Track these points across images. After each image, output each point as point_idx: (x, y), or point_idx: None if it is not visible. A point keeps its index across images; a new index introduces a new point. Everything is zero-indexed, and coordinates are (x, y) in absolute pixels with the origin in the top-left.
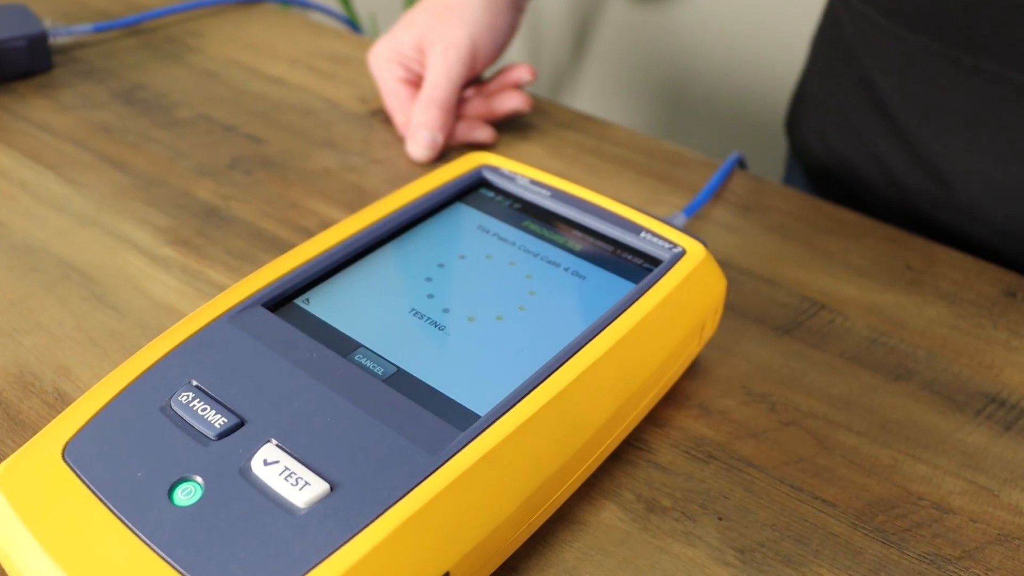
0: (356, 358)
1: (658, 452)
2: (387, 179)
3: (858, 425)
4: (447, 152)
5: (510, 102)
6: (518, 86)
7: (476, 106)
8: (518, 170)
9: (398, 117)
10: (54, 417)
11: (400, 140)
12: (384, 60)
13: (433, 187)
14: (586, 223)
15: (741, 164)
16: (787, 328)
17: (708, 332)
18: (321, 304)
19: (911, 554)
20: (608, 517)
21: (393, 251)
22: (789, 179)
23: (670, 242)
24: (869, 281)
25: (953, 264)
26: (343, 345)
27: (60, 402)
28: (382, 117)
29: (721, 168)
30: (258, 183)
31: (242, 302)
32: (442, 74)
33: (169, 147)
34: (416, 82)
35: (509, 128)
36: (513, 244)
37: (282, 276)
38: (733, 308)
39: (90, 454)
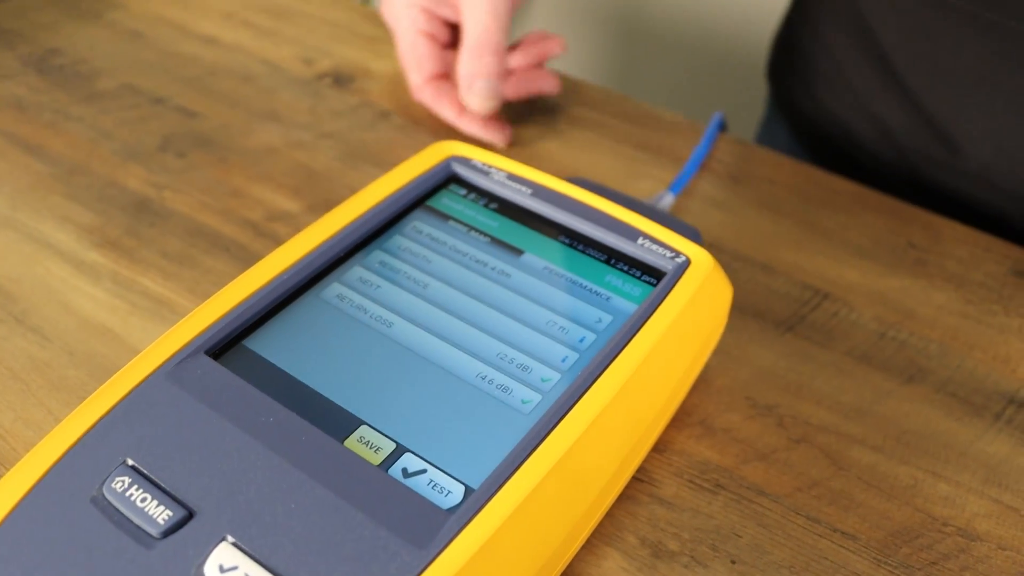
0: (317, 419)
1: (661, 484)
2: (338, 155)
3: (873, 438)
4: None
5: (542, 84)
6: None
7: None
8: (493, 162)
9: (413, 76)
10: None
11: (351, 110)
12: (403, 5)
13: (395, 188)
14: (575, 228)
15: (722, 126)
16: (790, 324)
17: (713, 343)
18: (272, 345)
19: None
20: (611, 568)
21: (351, 276)
22: (769, 129)
23: (672, 249)
24: (872, 263)
25: (958, 240)
26: (301, 400)
27: None
28: (329, 81)
29: (705, 135)
30: (194, 167)
31: (182, 349)
32: (489, 14)
33: (91, 126)
34: (437, 36)
35: None
36: (486, 264)
37: (226, 313)
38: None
39: (11, 561)
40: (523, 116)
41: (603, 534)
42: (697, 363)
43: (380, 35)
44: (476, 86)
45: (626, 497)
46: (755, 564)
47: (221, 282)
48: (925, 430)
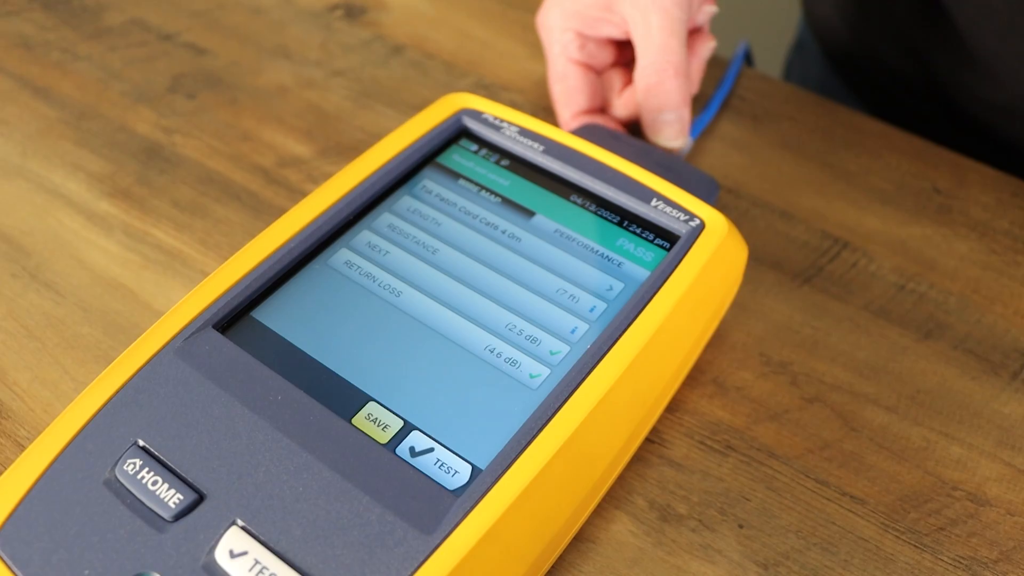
0: (325, 396)
1: (672, 445)
2: (350, 95)
3: (887, 398)
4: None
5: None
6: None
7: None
8: (505, 116)
9: (562, 111)
10: None
11: (363, 44)
12: (558, 29)
13: (405, 145)
14: (588, 187)
15: (748, 58)
16: (807, 275)
17: (727, 305)
18: (280, 316)
19: (945, 558)
20: (619, 532)
21: (359, 241)
22: (800, 54)
23: (686, 212)
24: (894, 210)
25: (985, 184)
26: (309, 375)
27: None
28: (340, 13)
29: (729, 71)
30: (204, 109)
31: (190, 324)
32: (665, 30)
33: (99, 65)
34: (594, 63)
35: (489, 23)
36: (497, 227)
37: (234, 284)
38: (748, 252)
39: (27, 544)
40: (540, 52)
41: (612, 496)
42: (710, 326)
43: None
44: (663, 119)
45: (636, 458)
46: (762, 528)
47: (232, 233)
48: (940, 389)
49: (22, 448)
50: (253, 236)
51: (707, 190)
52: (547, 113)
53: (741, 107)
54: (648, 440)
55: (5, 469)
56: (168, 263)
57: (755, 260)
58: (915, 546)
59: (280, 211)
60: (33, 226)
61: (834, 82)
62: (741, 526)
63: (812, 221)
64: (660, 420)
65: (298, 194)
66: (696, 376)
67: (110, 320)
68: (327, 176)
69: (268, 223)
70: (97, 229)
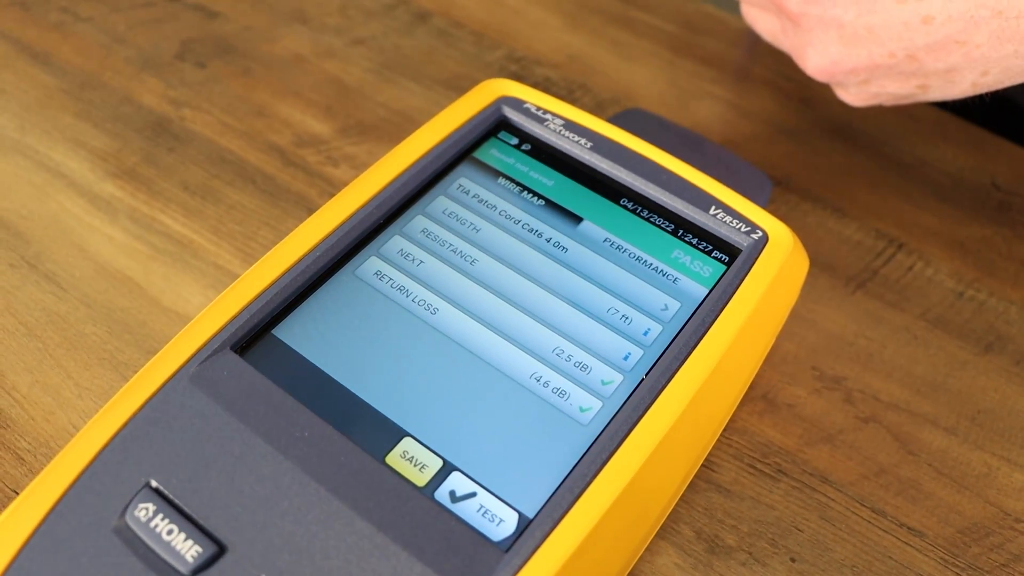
0: (355, 432)
1: (720, 469)
2: (372, 66)
3: (946, 419)
4: (467, 77)
5: None
6: None
7: None
8: (549, 107)
9: (761, 23)
10: None
11: (386, 10)
12: None
13: (440, 138)
14: (640, 191)
15: None
16: (861, 280)
17: (785, 318)
18: (304, 335)
19: None
20: (665, 565)
21: (390, 248)
22: None
23: (748, 222)
24: (951, 208)
25: None
26: (337, 406)
27: None
28: None
29: None
30: (215, 80)
31: (207, 344)
32: None
33: (102, 28)
34: None
35: None
36: (541, 235)
37: (254, 299)
38: None
39: None
40: (575, 23)
41: None
42: (769, 345)
43: None
44: None
45: None
46: (816, 563)
47: (246, 220)
48: (1001, 409)
49: (22, 461)
50: (269, 224)
51: (760, 187)
52: (584, 91)
53: (789, 88)
54: None
55: (5, 484)
56: (177, 254)
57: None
58: None
59: (298, 196)
60: (32, 209)
61: None
62: (793, 560)
63: (866, 218)
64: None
65: (317, 177)
66: (746, 391)
67: (116, 318)
68: (348, 157)
69: (285, 209)
70: (101, 214)
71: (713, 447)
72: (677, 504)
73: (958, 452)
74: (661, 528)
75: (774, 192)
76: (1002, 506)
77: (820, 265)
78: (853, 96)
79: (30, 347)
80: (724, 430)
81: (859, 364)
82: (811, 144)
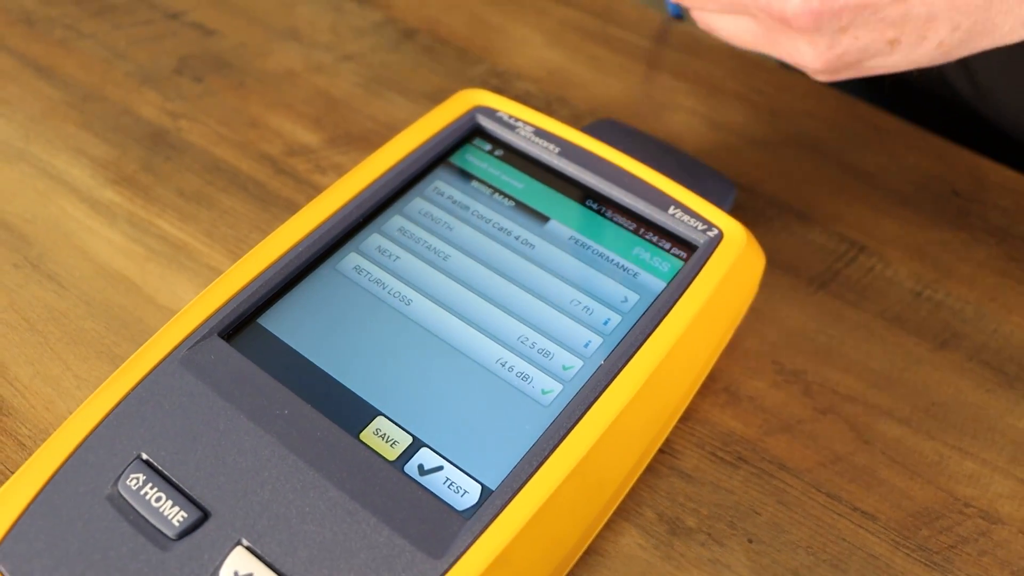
0: (332, 410)
1: (683, 456)
2: (360, 81)
3: (901, 410)
4: (444, 88)
5: None
6: None
7: None
8: (520, 115)
9: None
10: None
11: (374, 27)
12: None
13: (417, 144)
14: (604, 192)
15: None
16: (822, 280)
17: (743, 314)
18: (287, 324)
19: None
20: (628, 545)
21: (369, 244)
22: None
23: (705, 221)
24: (912, 213)
25: (1004, 187)
26: (316, 388)
27: None
28: None
29: None
30: (211, 93)
31: (196, 331)
32: None
33: (104, 44)
34: None
35: (504, 6)
36: (510, 232)
37: (241, 289)
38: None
39: (27, 560)
40: (555, 39)
41: (621, 508)
42: (726, 338)
43: None
44: None
45: (646, 469)
46: (772, 543)
47: (238, 225)
48: (954, 402)
49: (23, 446)
50: (260, 228)
51: (724, 192)
52: (561, 103)
53: (759, 101)
54: (659, 450)
55: (6, 468)
56: (173, 255)
57: (771, 263)
58: (926, 564)
59: (287, 203)
60: (36, 214)
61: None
62: (751, 540)
63: (829, 223)
64: (672, 430)
65: (306, 185)
66: (708, 384)
67: (113, 315)
68: (336, 166)
69: (275, 215)
70: (101, 218)
71: (676, 436)
72: (640, 488)
73: (911, 441)
74: (624, 510)
75: (742, 198)
76: (952, 492)
77: (783, 267)
78: (819, 54)
79: (32, 341)
80: (687, 420)
81: (818, 359)
82: (778, 154)
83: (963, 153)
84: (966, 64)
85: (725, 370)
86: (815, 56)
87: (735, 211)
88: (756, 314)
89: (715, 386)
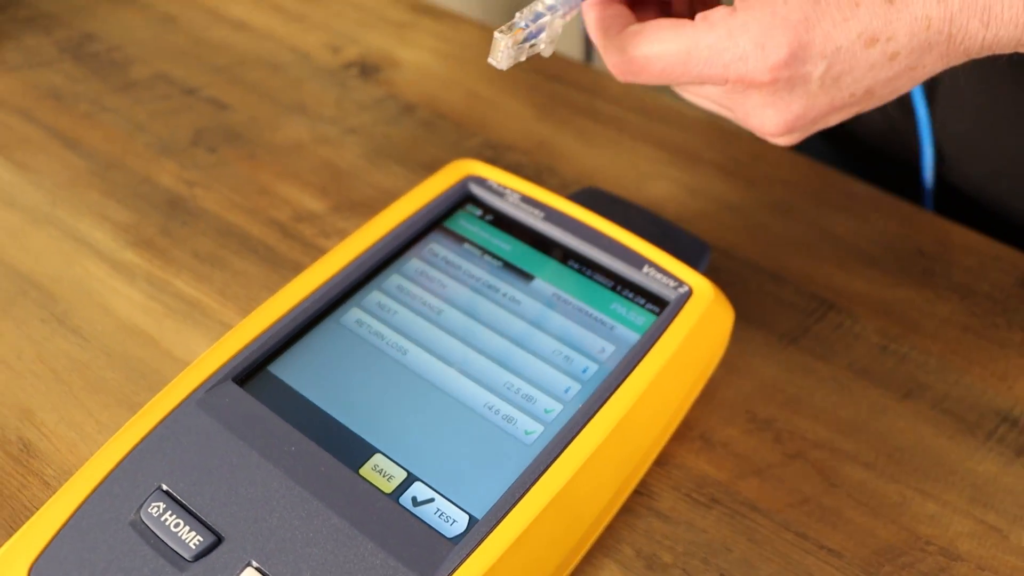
0: (335, 448)
1: (660, 497)
2: (363, 152)
3: (866, 455)
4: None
5: None
6: None
7: None
8: (508, 183)
9: (704, 102)
10: (20, 473)
11: (376, 102)
12: None
13: (414, 210)
14: (584, 253)
15: None
16: (794, 336)
17: (714, 365)
18: (295, 371)
19: None
20: None
21: (369, 301)
22: None
23: (675, 279)
24: (880, 273)
25: (968, 248)
26: (321, 428)
27: (25, 454)
28: (355, 71)
29: None
30: (224, 163)
31: (212, 376)
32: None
33: (125, 117)
34: None
35: (497, 83)
36: (498, 290)
37: (253, 340)
38: (738, 313)
39: None
40: (545, 113)
41: (601, 545)
42: (697, 386)
43: (408, 20)
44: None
45: (625, 509)
46: None
47: (249, 285)
48: (917, 447)
49: (48, 486)
50: (269, 288)
51: (699, 253)
52: (551, 173)
53: (736, 170)
54: (637, 492)
55: (33, 505)
56: (188, 312)
57: (745, 320)
58: None
59: (295, 265)
60: (61, 273)
61: (821, 147)
62: (723, 575)
63: (801, 283)
64: (649, 473)
65: (312, 248)
66: (684, 432)
67: (132, 366)
68: (340, 231)
69: (284, 276)
70: (121, 277)
71: (654, 479)
72: (620, 527)
73: (876, 484)
74: (604, 547)
75: (719, 260)
76: (914, 531)
77: (757, 323)
78: (792, 139)
79: (57, 390)
80: (664, 465)
81: (789, 408)
82: (754, 218)
83: (929, 216)
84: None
85: (701, 419)
86: (791, 141)
87: (711, 272)
88: (730, 367)
89: (691, 433)
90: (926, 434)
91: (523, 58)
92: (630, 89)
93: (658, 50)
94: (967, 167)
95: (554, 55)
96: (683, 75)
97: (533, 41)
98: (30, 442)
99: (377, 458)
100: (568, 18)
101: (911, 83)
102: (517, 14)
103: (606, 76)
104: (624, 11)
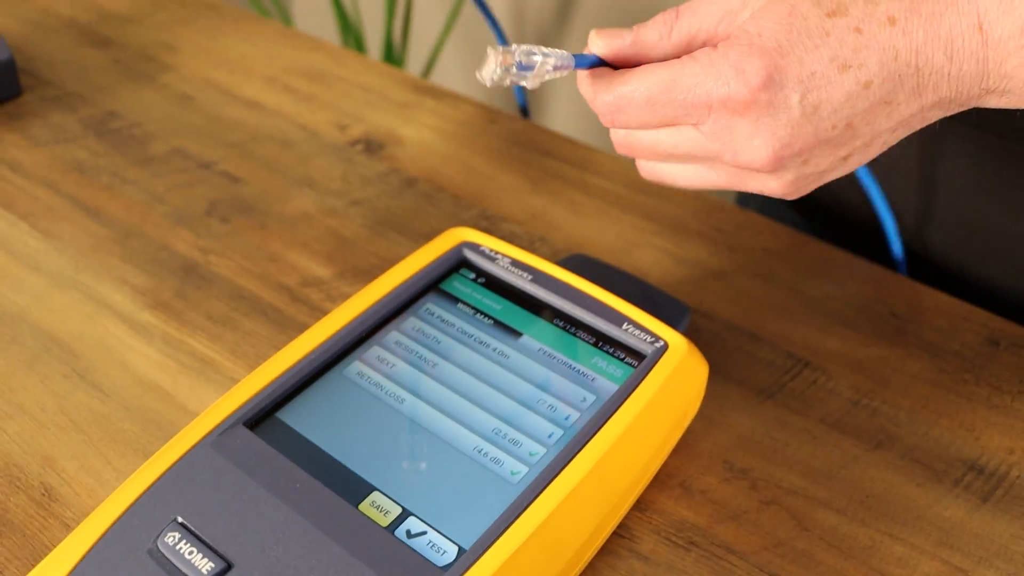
0: (336, 485)
1: (640, 540)
2: (367, 223)
3: (838, 501)
4: (433, 225)
5: None
6: None
7: None
8: (499, 248)
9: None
10: (42, 515)
11: (380, 177)
12: None
13: (412, 272)
14: (568, 312)
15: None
16: (770, 392)
17: (691, 416)
18: (301, 417)
19: None
20: None
21: (370, 355)
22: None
23: (652, 334)
24: (854, 332)
25: (939, 309)
26: (323, 467)
27: (47, 498)
28: (361, 148)
29: None
30: (236, 232)
31: (224, 421)
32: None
33: (145, 189)
34: None
35: (494, 159)
36: (488, 345)
37: (262, 389)
38: (717, 370)
39: None
40: (538, 186)
41: None
42: (674, 433)
43: (410, 100)
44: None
45: (608, 552)
46: None
47: (259, 345)
48: (887, 494)
49: (68, 527)
50: (277, 347)
51: (680, 314)
52: (543, 242)
53: (719, 238)
54: (619, 535)
55: (53, 545)
56: (201, 369)
57: (724, 377)
58: None
59: (302, 327)
60: (83, 332)
61: (789, 215)
62: None
63: (777, 343)
64: (630, 518)
65: (318, 312)
66: (665, 480)
67: (149, 418)
68: (345, 296)
69: (291, 337)
70: (139, 337)
71: (635, 523)
72: (602, 569)
73: (847, 529)
74: None
75: (700, 322)
76: (883, 572)
77: (735, 380)
78: (787, 183)
79: (78, 440)
80: (645, 510)
81: (764, 459)
82: (734, 283)
83: (902, 280)
84: (898, 215)
85: (681, 468)
86: (781, 186)
87: (693, 332)
88: (710, 420)
89: (671, 481)
90: (896, 482)
91: (507, 83)
92: (618, 163)
93: (644, 81)
94: (928, 238)
95: (546, 131)
96: (668, 103)
97: (522, 73)
98: (51, 487)
99: (375, 495)
100: (558, 74)
101: (888, 122)
102: (514, 44)
103: (596, 151)
104: (611, 71)
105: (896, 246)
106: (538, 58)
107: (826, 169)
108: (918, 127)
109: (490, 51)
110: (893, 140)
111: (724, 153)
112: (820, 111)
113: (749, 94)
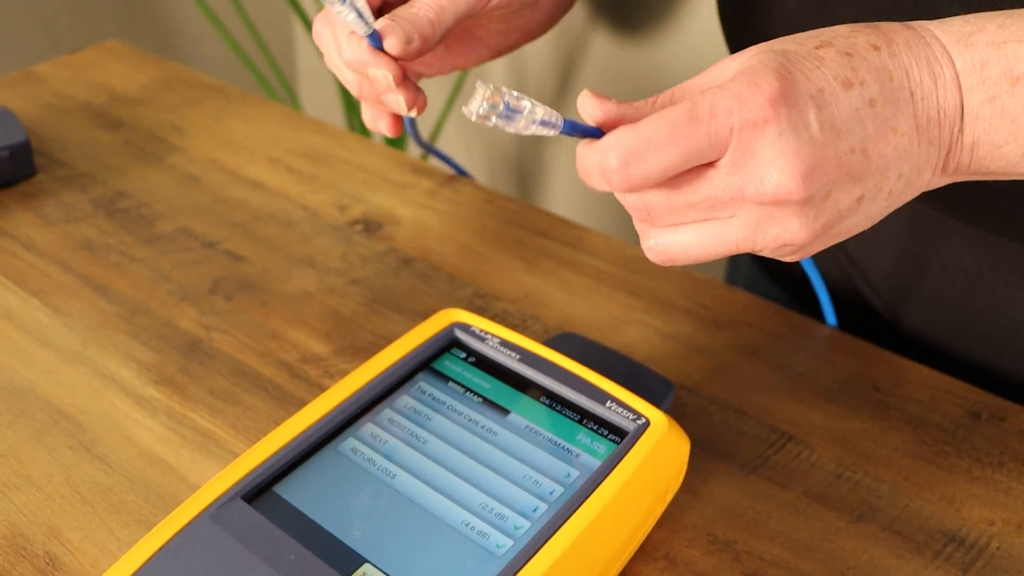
0: (329, 557)
1: None
2: (365, 301)
3: (820, 573)
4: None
5: None
6: None
7: None
8: (489, 329)
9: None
10: None
11: (378, 256)
12: None
13: (406, 352)
14: (554, 390)
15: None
16: (754, 466)
17: (673, 490)
18: (297, 491)
19: None
20: None
21: (364, 432)
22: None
23: (634, 412)
24: (837, 406)
25: (921, 382)
26: (317, 540)
27: (51, 567)
28: (360, 228)
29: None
30: (239, 310)
31: (223, 495)
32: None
33: (151, 268)
34: None
35: (489, 238)
36: (477, 423)
37: (260, 465)
38: (702, 444)
39: None
40: (531, 266)
41: None
42: (656, 506)
43: (408, 181)
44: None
45: None
46: None
47: (259, 419)
48: (868, 566)
49: None
50: (277, 422)
51: (664, 390)
52: (535, 320)
53: (705, 315)
54: None
55: None
56: (203, 443)
57: (708, 451)
58: None
59: (301, 402)
60: (90, 406)
61: (770, 290)
62: None
63: (761, 417)
64: None
65: (317, 388)
66: (651, 552)
67: (152, 490)
68: (343, 372)
69: (290, 412)
70: (144, 411)
71: None
72: None
73: None
74: None
75: (684, 397)
76: None
77: (720, 454)
78: (809, 220)
79: (82, 510)
80: None
81: (748, 531)
82: (719, 359)
83: (884, 354)
84: (879, 293)
85: (665, 540)
86: (803, 226)
87: (678, 407)
88: (694, 493)
89: (656, 553)
90: (877, 554)
91: (491, 122)
92: (608, 243)
93: (659, 119)
94: (910, 316)
95: (541, 212)
96: (690, 135)
97: (508, 115)
98: (56, 557)
99: (366, 567)
100: (544, 131)
101: (896, 155)
102: (504, 88)
103: (589, 231)
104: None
105: (831, 318)
106: (527, 105)
107: (844, 211)
108: (919, 188)
109: (479, 85)
110: (897, 196)
111: (748, 184)
112: (836, 127)
113: (768, 105)
